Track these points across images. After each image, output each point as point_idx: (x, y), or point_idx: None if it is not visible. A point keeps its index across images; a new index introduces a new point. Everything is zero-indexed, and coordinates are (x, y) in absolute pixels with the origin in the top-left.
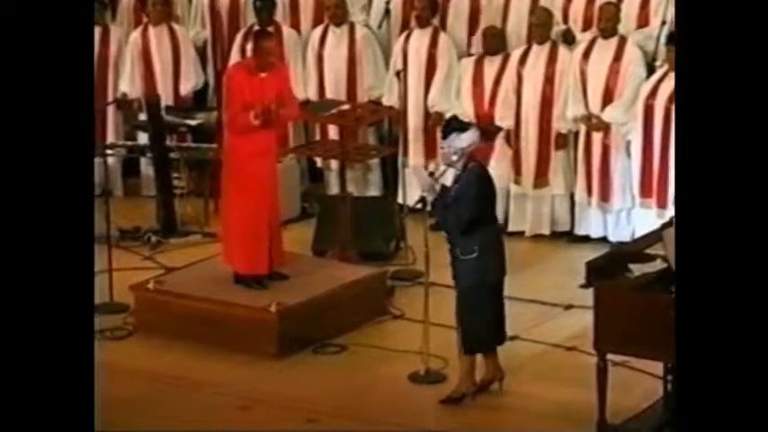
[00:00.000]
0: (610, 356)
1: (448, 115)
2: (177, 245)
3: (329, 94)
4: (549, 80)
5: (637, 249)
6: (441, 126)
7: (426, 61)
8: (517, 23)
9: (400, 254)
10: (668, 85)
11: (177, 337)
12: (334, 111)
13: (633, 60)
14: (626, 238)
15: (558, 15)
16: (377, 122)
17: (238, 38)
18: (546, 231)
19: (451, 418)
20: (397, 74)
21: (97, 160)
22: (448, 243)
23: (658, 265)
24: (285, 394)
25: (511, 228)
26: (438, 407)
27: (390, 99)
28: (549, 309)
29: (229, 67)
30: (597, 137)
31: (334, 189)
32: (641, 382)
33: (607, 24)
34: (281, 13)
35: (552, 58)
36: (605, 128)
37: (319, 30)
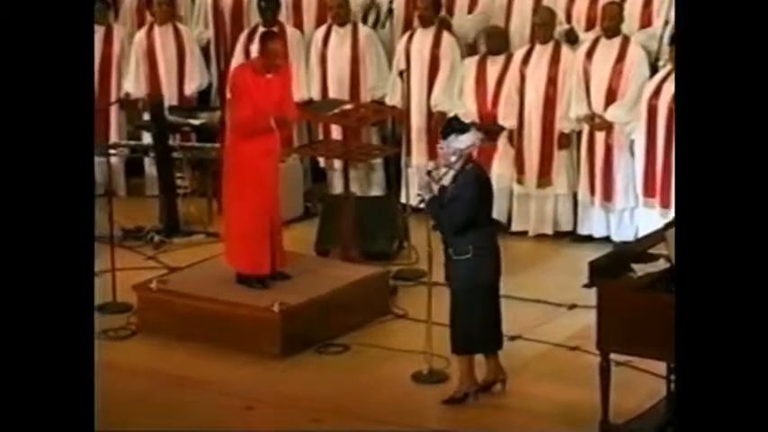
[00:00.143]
0: (613, 356)
1: (451, 115)
2: (180, 244)
3: (332, 94)
4: (552, 80)
5: (640, 249)
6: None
7: (429, 61)
8: (520, 23)
9: (403, 253)
10: (671, 85)
11: (180, 336)
12: (337, 110)
13: (636, 60)
14: (629, 237)
15: (561, 15)
16: (380, 122)
17: (242, 38)
18: (549, 231)
19: (454, 418)
20: (400, 74)
21: (100, 160)
22: (442, 243)
23: (661, 264)
24: (288, 394)
25: (514, 227)
26: (441, 407)
27: (393, 99)
28: (553, 308)
29: (235, 67)
30: (600, 136)
31: (337, 189)
32: (644, 381)
33: (610, 24)
34: (283, 13)
35: (555, 58)
36: (608, 127)
37: (322, 30)
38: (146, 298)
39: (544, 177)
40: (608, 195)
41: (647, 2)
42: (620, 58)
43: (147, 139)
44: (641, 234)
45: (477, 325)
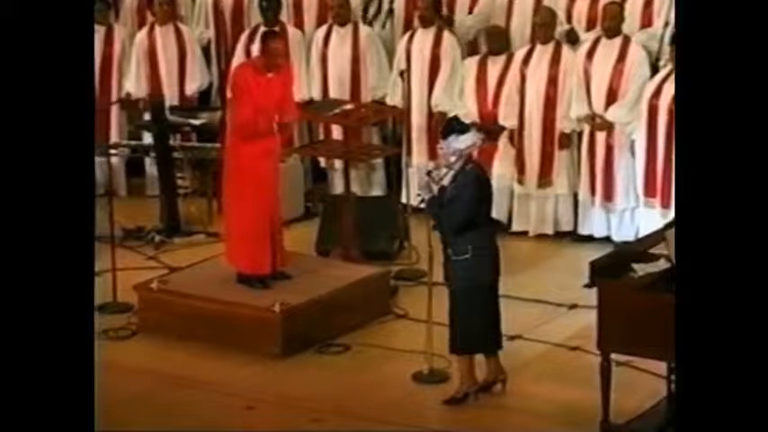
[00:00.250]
0: (613, 356)
1: (451, 115)
2: (181, 244)
3: (333, 94)
4: (552, 80)
5: (640, 249)
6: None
7: (430, 61)
8: (521, 23)
9: (404, 253)
10: (672, 85)
11: (180, 336)
12: (337, 110)
13: (637, 60)
14: (630, 237)
15: (561, 15)
16: (380, 122)
17: (243, 38)
18: (549, 231)
19: (455, 418)
20: (401, 73)
21: (101, 160)
22: (441, 243)
23: (662, 264)
24: (289, 394)
25: (514, 227)
26: (441, 407)
27: (394, 99)
28: (553, 308)
29: (236, 67)
30: (601, 136)
31: (337, 189)
32: (645, 382)
33: (611, 24)
34: (284, 13)
35: (556, 58)
36: (609, 127)
37: (323, 29)
38: (146, 298)
39: (545, 177)
40: (608, 195)
41: (647, 2)
42: (621, 58)
43: (147, 139)
44: (642, 234)
45: (477, 325)
